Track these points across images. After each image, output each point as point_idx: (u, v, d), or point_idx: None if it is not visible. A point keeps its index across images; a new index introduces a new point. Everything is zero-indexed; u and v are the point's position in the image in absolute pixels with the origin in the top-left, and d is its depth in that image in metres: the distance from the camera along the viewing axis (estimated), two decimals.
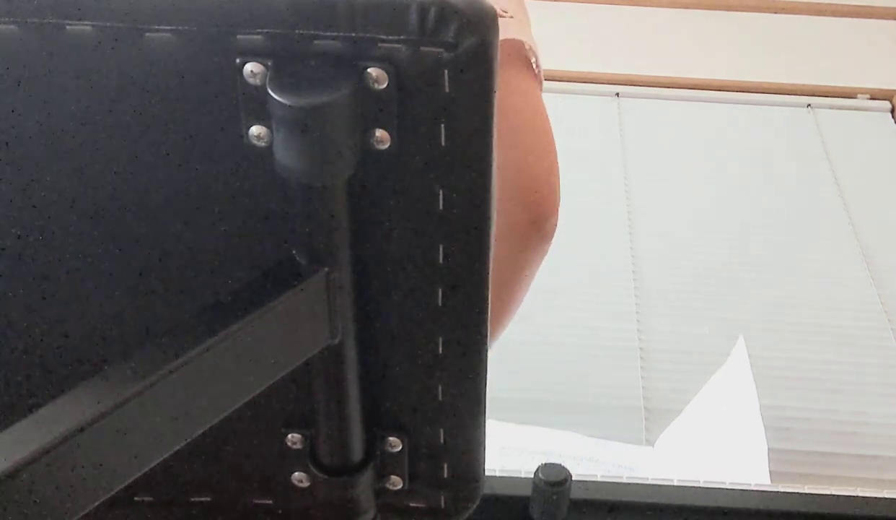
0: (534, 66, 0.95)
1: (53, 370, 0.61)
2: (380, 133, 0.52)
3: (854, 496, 0.96)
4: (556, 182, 0.95)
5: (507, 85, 0.93)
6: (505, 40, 0.92)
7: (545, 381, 1.58)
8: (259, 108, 0.50)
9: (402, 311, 0.60)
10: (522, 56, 0.94)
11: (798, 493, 0.97)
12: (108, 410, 0.47)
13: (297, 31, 0.49)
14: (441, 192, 0.55)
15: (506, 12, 0.91)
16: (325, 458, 0.65)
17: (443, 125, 0.52)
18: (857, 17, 2.66)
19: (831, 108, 2.37)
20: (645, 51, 2.50)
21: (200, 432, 0.52)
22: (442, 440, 0.66)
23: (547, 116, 0.95)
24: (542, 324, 1.69)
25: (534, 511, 0.92)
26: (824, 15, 2.66)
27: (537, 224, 0.95)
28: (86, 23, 0.49)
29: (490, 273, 0.59)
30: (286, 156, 0.50)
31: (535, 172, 0.94)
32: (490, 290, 0.93)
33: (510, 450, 1.29)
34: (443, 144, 0.53)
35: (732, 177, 2.14)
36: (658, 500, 0.96)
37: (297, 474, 0.67)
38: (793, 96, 2.38)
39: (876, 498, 0.96)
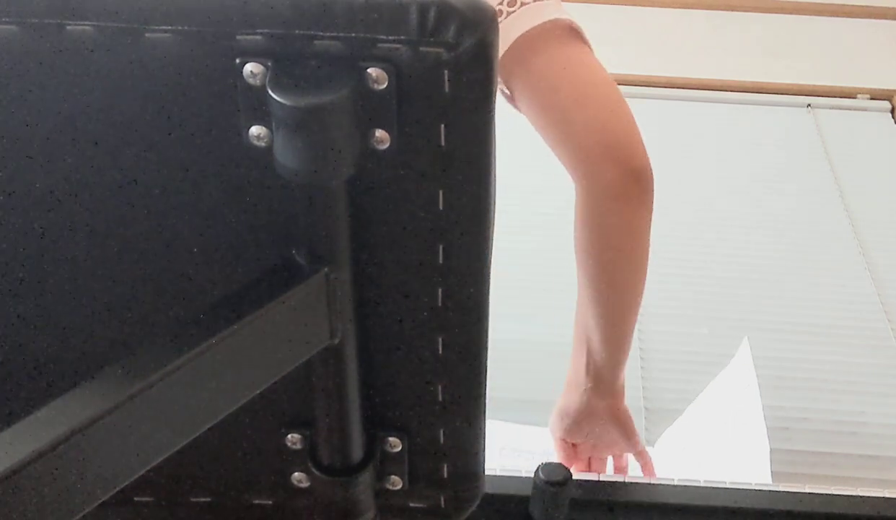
0: (582, 36, 0.96)
1: (53, 370, 0.61)
2: (380, 133, 0.52)
3: (854, 496, 0.96)
4: (639, 135, 0.95)
5: (561, 56, 0.94)
6: (555, 21, 0.93)
7: (545, 381, 1.58)
8: (259, 108, 0.50)
9: (402, 311, 0.60)
10: (575, 32, 0.95)
11: (798, 493, 0.97)
12: (108, 410, 0.47)
13: (297, 31, 0.49)
14: (441, 192, 0.55)
15: None
16: (325, 458, 0.65)
17: (443, 125, 0.52)
18: (857, 17, 2.66)
19: (831, 108, 2.37)
20: (645, 51, 2.50)
21: (200, 432, 0.52)
22: (442, 440, 0.66)
23: (609, 76, 0.96)
24: (542, 324, 1.69)
25: (534, 511, 0.92)
26: (824, 15, 2.66)
27: (633, 174, 0.95)
28: (86, 23, 0.49)
29: (490, 272, 0.59)
30: (286, 156, 0.50)
31: (618, 130, 0.94)
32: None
33: (510, 450, 1.29)
34: (443, 144, 0.53)
35: (732, 177, 2.14)
36: (658, 500, 0.96)
37: (297, 474, 0.67)
38: (793, 96, 2.38)
39: (876, 498, 0.96)
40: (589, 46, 0.97)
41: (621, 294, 1.05)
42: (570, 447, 1.18)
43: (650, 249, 1.04)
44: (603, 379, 1.10)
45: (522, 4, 0.93)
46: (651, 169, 0.96)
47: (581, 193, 0.97)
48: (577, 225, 0.99)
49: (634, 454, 1.19)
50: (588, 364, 1.10)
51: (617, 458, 1.21)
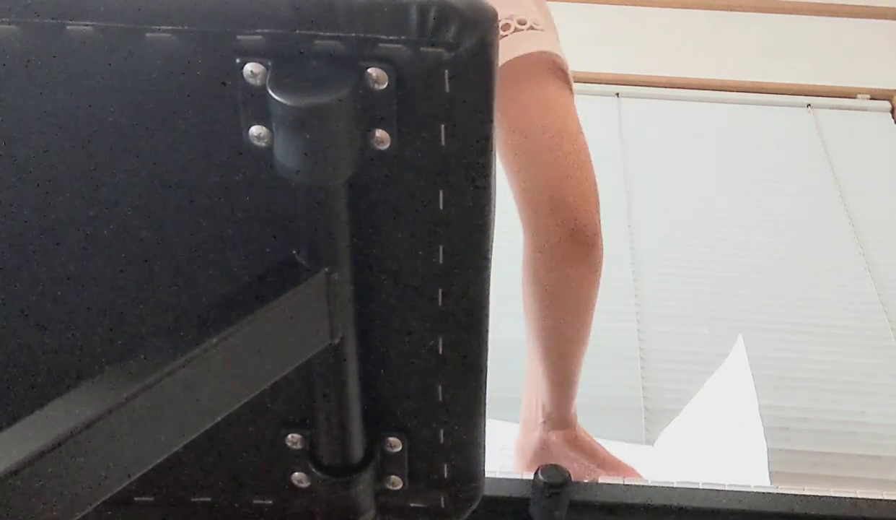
0: (565, 75, 0.95)
1: (53, 370, 0.61)
2: (380, 133, 0.52)
3: (854, 497, 0.96)
4: (594, 196, 0.95)
5: (548, 99, 0.94)
6: (541, 53, 0.92)
7: None
8: (259, 109, 0.50)
9: (402, 311, 0.60)
10: (558, 69, 0.94)
11: (798, 494, 0.97)
12: (108, 410, 0.47)
13: (297, 31, 0.49)
14: (441, 192, 0.55)
15: (537, 25, 0.92)
16: (325, 458, 0.65)
17: (443, 125, 0.52)
18: (857, 17, 2.66)
19: (831, 108, 2.37)
20: (645, 51, 2.50)
21: (200, 432, 0.52)
22: (442, 440, 0.66)
23: (582, 133, 0.95)
24: None
25: (534, 512, 0.92)
26: (824, 15, 2.66)
27: (575, 235, 0.95)
28: (86, 23, 0.49)
29: (490, 272, 0.59)
30: (286, 156, 0.50)
31: (567, 186, 0.94)
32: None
33: (510, 450, 1.29)
34: (443, 143, 0.53)
35: (732, 177, 2.14)
36: (658, 501, 0.96)
37: (297, 474, 0.67)
38: (793, 96, 2.38)
39: (876, 499, 0.96)
40: (571, 89, 0.96)
41: (562, 344, 1.08)
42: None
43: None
44: (554, 414, 1.13)
45: (516, 30, 0.92)
46: (598, 232, 0.96)
47: (527, 242, 0.98)
48: (522, 274, 1.02)
49: (610, 471, 1.20)
50: (538, 401, 1.13)
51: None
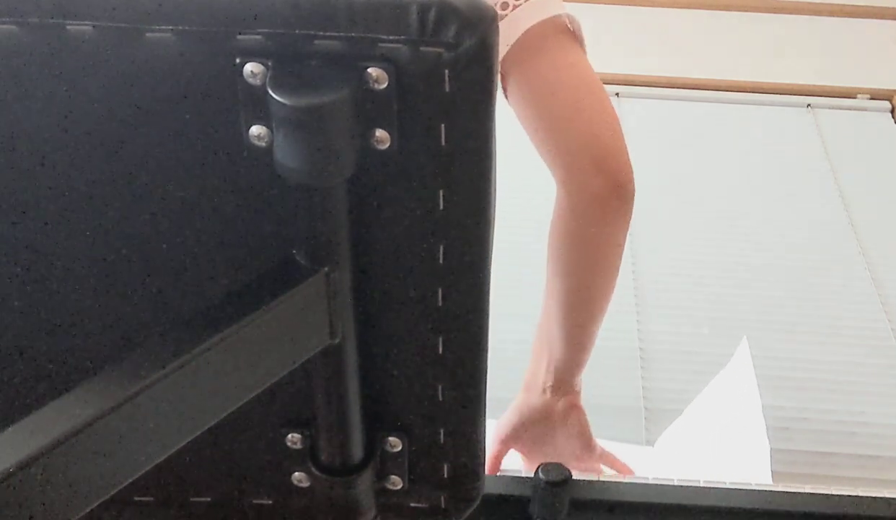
0: (576, 33, 0.96)
1: (54, 370, 0.61)
2: (380, 133, 0.52)
3: (854, 496, 0.96)
4: (625, 146, 0.96)
5: (562, 61, 0.94)
6: (548, 19, 0.93)
7: None
8: (259, 108, 0.50)
9: (402, 311, 0.60)
10: (565, 29, 0.95)
11: (798, 493, 0.97)
12: (108, 410, 0.47)
13: (297, 31, 0.49)
14: (441, 192, 0.55)
15: None
16: (325, 458, 0.65)
17: (443, 125, 0.52)
18: (857, 17, 2.66)
19: (831, 108, 2.37)
20: (645, 51, 2.50)
21: (200, 432, 0.52)
22: (442, 440, 0.66)
23: (602, 86, 0.96)
24: None
25: (534, 511, 0.92)
26: (824, 15, 2.66)
27: (618, 189, 0.95)
28: (86, 23, 0.49)
29: (490, 272, 0.59)
30: (286, 156, 0.50)
31: (605, 141, 0.95)
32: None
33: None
34: (443, 144, 0.53)
35: (732, 177, 2.14)
36: (658, 500, 0.96)
37: (297, 474, 0.67)
38: (793, 96, 2.38)
39: (876, 498, 0.96)
40: (584, 48, 0.97)
41: (592, 300, 1.08)
42: (504, 451, 1.19)
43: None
44: (563, 377, 1.13)
45: (515, 7, 0.92)
46: (634, 184, 0.97)
47: (563, 201, 0.98)
48: (554, 230, 1.02)
49: (599, 461, 1.20)
50: (549, 363, 1.13)
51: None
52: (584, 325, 1.09)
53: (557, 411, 1.15)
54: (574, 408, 1.16)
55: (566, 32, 0.95)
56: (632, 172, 0.96)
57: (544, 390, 1.15)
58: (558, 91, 0.94)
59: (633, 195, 0.97)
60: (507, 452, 1.20)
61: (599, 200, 0.96)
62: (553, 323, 1.09)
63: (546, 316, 1.11)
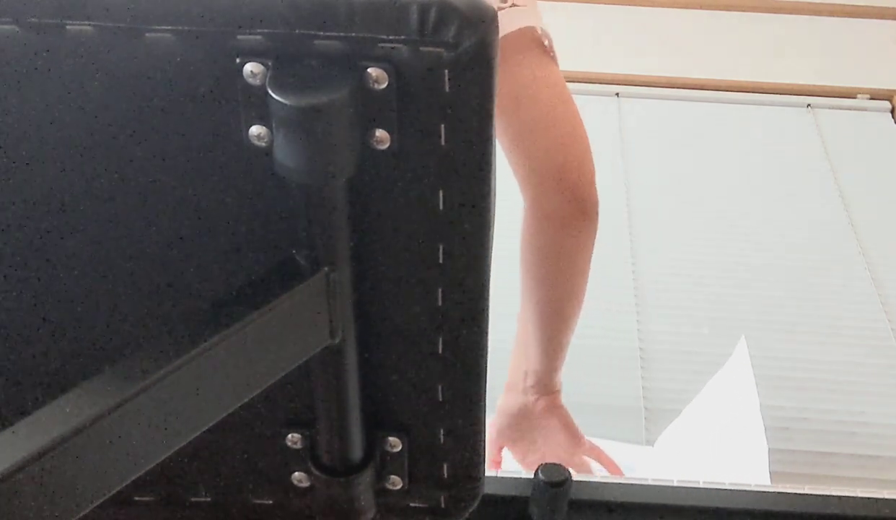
0: (548, 47, 0.96)
1: (54, 370, 0.61)
2: (380, 133, 0.52)
3: (854, 496, 0.96)
4: (591, 163, 0.97)
5: (530, 73, 0.95)
6: (520, 30, 0.93)
7: None
8: (259, 108, 0.50)
9: (402, 311, 0.60)
10: (537, 41, 0.95)
11: (798, 493, 0.97)
12: (108, 410, 0.47)
13: (297, 31, 0.49)
14: (441, 192, 0.55)
15: (518, 1, 0.93)
16: (325, 458, 0.65)
17: (443, 125, 0.52)
18: (857, 17, 2.66)
19: (831, 108, 2.37)
20: (645, 51, 2.50)
21: (200, 431, 0.52)
22: (442, 440, 0.66)
23: (572, 100, 0.97)
24: None
25: (534, 511, 0.92)
26: (824, 15, 2.66)
27: (580, 205, 0.96)
28: (86, 23, 0.49)
29: (490, 272, 0.59)
30: (286, 156, 0.50)
31: (569, 157, 0.96)
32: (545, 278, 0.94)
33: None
34: (443, 144, 0.53)
35: (732, 177, 2.14)
36: (658, 500, 0.96)
37: (297, 474, 0.67)
38: (793, 96, 2.38)
39: (876, 498, 0.96)
40: (556, 61, 0.97)
41: (562, 309, 1.10)
42: (494, 449, 1.23)
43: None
44: (541, 378, 1.16)
45: (499, 9, 0.92)
46: (597, 200, 0.98)
47: (528, 213, 1.00)
48: (522, 243, 1.04)
49: (586, 454, 1.22)
50: (528, 366, 1.16)
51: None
52: (553, 333, 1.12)
53: (538, 409, 1.18)
54: (554, 405, 1.19)
55: (538, 44, 0.95)
56: (594, 188, 0.97)
57: (525, 391, 1.18)
58: (530, 101, 0.95)
59: (596, 207, 0.98)
60: (496, 450, 1.23)
61: (559, 216, 0.97)
62: (528, 329, 1.12)
63: (521, 322, 1.15)
